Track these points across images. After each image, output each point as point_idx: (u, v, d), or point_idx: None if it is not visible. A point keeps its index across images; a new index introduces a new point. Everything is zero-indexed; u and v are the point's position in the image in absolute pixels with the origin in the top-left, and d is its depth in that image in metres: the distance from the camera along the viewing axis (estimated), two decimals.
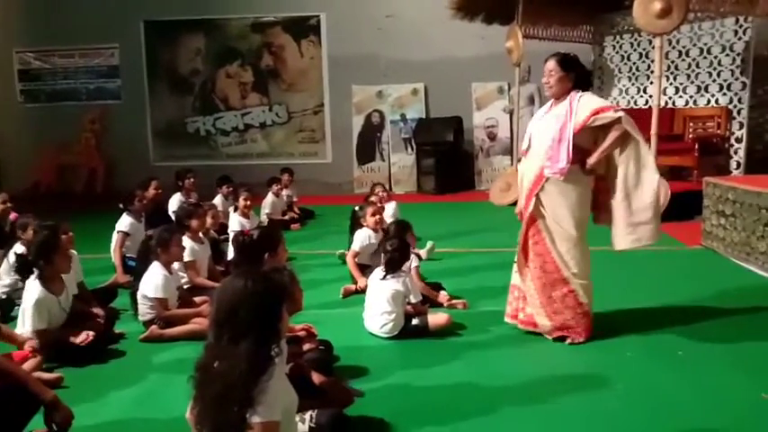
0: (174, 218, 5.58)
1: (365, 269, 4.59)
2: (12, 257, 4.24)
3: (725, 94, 8.14)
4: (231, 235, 5.29)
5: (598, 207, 3.74)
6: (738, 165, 8.00)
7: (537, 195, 3.63)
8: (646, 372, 3.25)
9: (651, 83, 8.49)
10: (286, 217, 7.64)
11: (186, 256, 4.45)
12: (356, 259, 4.91)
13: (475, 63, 10.19)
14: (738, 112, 8.02)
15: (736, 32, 7.98)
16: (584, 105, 3.50)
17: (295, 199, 8.20)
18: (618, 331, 3.76)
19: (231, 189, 7.19)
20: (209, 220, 5.18)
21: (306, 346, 3.31)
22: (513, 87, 9.65)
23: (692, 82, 8.52)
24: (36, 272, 3.62)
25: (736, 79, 8.01)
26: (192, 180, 7.19)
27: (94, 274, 5.04)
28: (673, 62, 8.66)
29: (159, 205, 6.51)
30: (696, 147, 7.78)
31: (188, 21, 10.80)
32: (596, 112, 3.47)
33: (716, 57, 8.20)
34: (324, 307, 4.37)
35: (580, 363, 3.42)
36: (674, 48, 8.62)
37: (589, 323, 3.67)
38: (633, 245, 3.61)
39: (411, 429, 2.72)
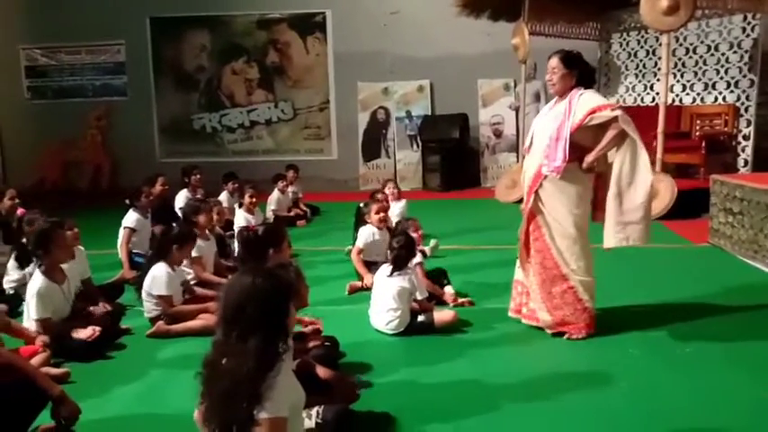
0: (180, 214, 5.61)
1: (371, 266, 4.59)
2: None
3: (732, 91, 8.10)
4: (236, 231, 5.31)
5: (596, 204, 3.73)
6: (746, 162, 7.97)
7: (536, 192, 3.65)
8: (650, 369, 3.25)
9: (658, 80, 8.47)
10: (291, 213, 7.66)
11: (193, 252, 4.48)
12: (361, 256, 4.90)
13: (481, 60, 10.17)
14: (746, 110, 7.99)
15: (743, 29, 7.94)
16: (583, 104, 3.50)
17: (300, 195, 8.21)
18: (623, 328, 3.75)
19: (237, 185, 7.20)
20: (214, 217, 5.19)
21: (311, 344, 3.32)
22: (519, 84, 9.63)
23: (700, 79, 8.48)
24: (36, 261, 3.69)
25: (744, 76, 7.97)
26: (198, 176, 7.21)
27: (101, 270, 5.06)
28: (680, 59, 8.61)
29: (166, 201, 6.54)
30: (703, 144, 7.74)
31: (193, 17, 10.80)
32: (593, 111, 3.47)
33: (723, 54, 8.16)
34: (330, 303, 4.38)
35: (584, 360, 3.42)
36: (681, 45, 8.58)
37: (590, 320, 3.67)
38: (621, 243, 3.58)
39: (416, 425, 2.73)
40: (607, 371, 3.23)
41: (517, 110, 9.91)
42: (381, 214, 5.04)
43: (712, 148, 7.81)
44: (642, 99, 9.25)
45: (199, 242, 4.65)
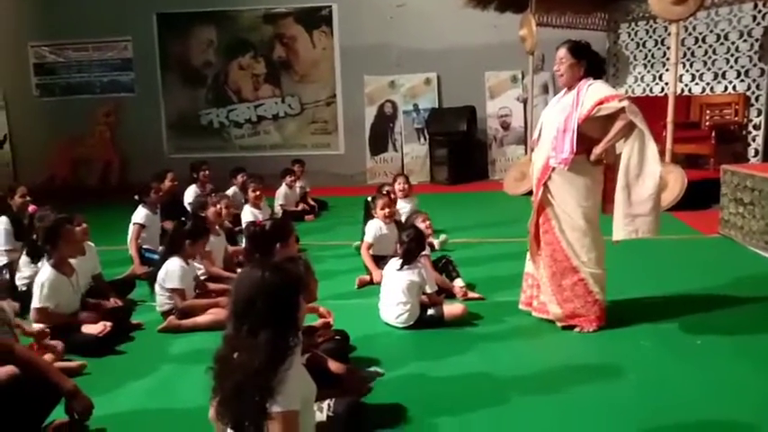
0: (189, 209, 5.62)
1: (380, 261, 4.58)
2: None
3: (742, 80, 8.03)
4: (244, 226, 5.32)
5: (606, 197, 3.69)
6: (756, 152, 7.90)
7: (545, 185, 3.63)
8: (661, 361, 3.24)
9: (667, 70, 8.40)
10: (299, 208, 7.66)
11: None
12: (370, 251, 4.89)
13: (488, 52, 10.10)
14: (756, 99, 7.92)
15: (754, 17, 7.86)
16: (591, 95, 3.47)
17: (308, 190, 8.21)
18: (633, 320, 3.74)
19: (245, 179, 7.20)
20: (223, 211, 5.20)
21: (321, 338, 3.33)
22: (526, 76, 9.59)
23: (709, 69, 8.41)
24: (45, 256, 3.76)
25: (755, 65, 7.90)
26: (206, 172, 7.23)
27: (111, 266, 5.09)
28: (689, 49, 8.53)
29: (175, 197, 6.56)
30: (713, 134, 7.68)
31: (200, 13, 10.80)
32: (601, 102, 3.44)
33: (733, 43, 8.08)
34: (339, 297, 4.38)
35: (594, 352, 3.41)
36: (690, 34, 8.50)
37: (601, 312, 3.65)
38: (630, 236, 3.54)
39: (426, 418, 2.73)
40: (618, 363, 3.22)
41: (525, 102, 9.87)
42: (387, 210, 4.99)
43: (722, 138, 7.75)
44: (651, 89, 9.17)
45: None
